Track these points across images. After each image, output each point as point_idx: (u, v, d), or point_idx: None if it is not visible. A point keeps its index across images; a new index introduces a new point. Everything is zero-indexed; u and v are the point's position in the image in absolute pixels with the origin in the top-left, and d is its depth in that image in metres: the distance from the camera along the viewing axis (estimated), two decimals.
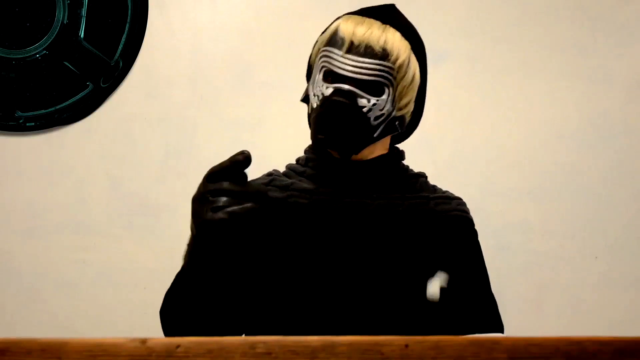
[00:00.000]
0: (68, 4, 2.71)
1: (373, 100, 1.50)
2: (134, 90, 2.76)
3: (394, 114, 1.53)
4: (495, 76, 2.83)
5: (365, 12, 1.56)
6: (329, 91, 1.50)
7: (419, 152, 2.87)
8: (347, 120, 1.48)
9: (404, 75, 1.52)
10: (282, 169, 1.67)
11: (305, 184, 1.57)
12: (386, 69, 1.49)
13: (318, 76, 1.53)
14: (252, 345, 0.94)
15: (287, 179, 1.60)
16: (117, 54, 2.74)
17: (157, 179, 2.73)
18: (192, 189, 1.66)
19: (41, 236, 2.71)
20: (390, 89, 1.51)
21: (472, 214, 1.65)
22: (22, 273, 2.70)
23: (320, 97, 1.51)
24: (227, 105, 2.76)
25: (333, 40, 1.52)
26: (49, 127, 2.72)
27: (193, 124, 2.76)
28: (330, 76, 1.51)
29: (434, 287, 1.45)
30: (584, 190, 2.82)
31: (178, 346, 0.93)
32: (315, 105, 1.52)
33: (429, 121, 2.84)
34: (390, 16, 1.55)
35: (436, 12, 2.83)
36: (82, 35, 2.73)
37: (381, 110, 1.51)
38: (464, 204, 1.62)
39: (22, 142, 2.73)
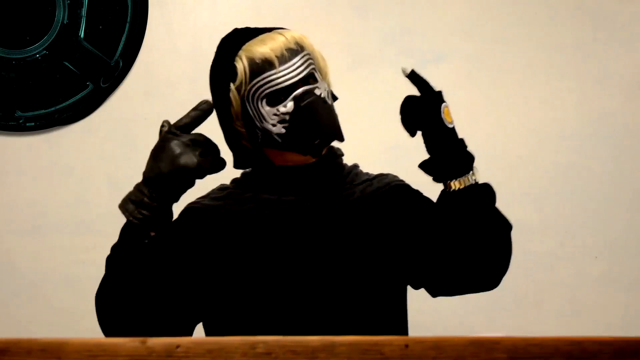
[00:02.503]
0: (68, 4, 2.71)
1: (317, 86, 1.58)
2: (134, 90, 2.76)
3: (329, 88, 1.63)
4: (495, 76, 2.83)
5: (247, 37, 1.63)
6: (289, 106, 1.55)
7: (418, 152, 2.88)
8: (325, 110, 1.57)
9: (317, 56, 1.62)
10: None
11: (266, 195, 1.59)
12: (309, 57, 1.59)
13: (262, 109, 1.56)
14: (252, 345, 0.94)
15: (243, 192, 1.62)
16: (117, 54, 2.74)
17: None
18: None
19: (41, 236, 2.71)
20: (318, 72, 1.60)
21: None
22: (22, 273, 2.70)
23: (286, 117, 1.55)
24: None
25: (256, 70, 1.56)
26: (49, 127, 2.72)
27: None
28: (277, 95, 1.56)
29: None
30: (584, 190, 2.82)
31: (178, 346, 0.93)
32: (284, 130, 1.55)
33: None
34: (261, 29, 1.64)
35: (436, 12, 2.82)
36: (82, 35, 2.72)
37: (325, 90, 1.60)
38: (397, 176, 1.71)
39: (22, 142, 2.73)
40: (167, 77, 2.77)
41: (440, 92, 1.64)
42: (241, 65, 1.59)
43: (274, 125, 1.56)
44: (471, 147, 2.83)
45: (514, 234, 2.79)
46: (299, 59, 1.56)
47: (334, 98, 1.64)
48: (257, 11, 2.79)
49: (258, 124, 1.57)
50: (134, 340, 0.94)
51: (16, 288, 2.70)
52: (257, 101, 1.57)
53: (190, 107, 2.77)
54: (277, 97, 1.55)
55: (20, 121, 2.71)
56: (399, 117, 1.65)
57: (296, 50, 1.57)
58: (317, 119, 1.55)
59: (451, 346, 0.95)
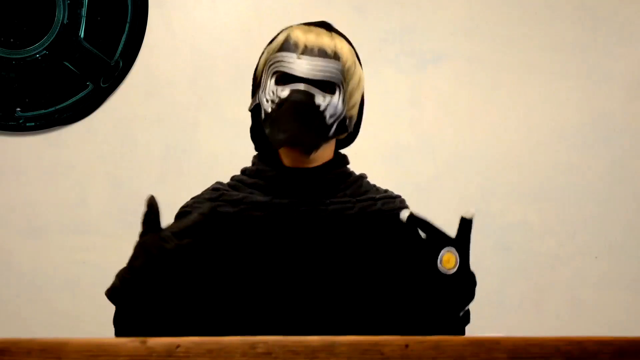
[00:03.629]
0: (68, 4, 2.71)
1: (327, 99, 1.55)
2: (134, 90, 2.75)
3: (344, 114, 1.59)
4: (495, 76, 2.83)
5: (310, 24, 1.64)
6: (285, 92, 1.55)
7: (419, 152, 2.88)
8: (306, 117, 1.54)
9: (352, 77, 1.60)
10: None
11: (258, 197, 1.58)
12: (337, 69, 1.56)
13: (270, 82, 1.57)
14: (252, 345, 0.93)
15: (236, 192, 1.61)
16: (117, 54, 2.73)
17: (157, 179, 2.73)
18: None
19: (41, 236, 2.71)
20: (341, 90, 1.57)
21: None
22: (22, 273, 2.70)
23: (276, 99, 1.55)
24: (227, 105, 2.76)
25: (285, 46, 1.57)
26: (49, 127, 2.72)
27: (193, 124, 2.76)
28: (285, 79, 1.56)
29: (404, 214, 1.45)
30: (584, 190, 2.81)
31: (178, 346, 0.93)
32: (270, 110, 1.56)
33: (429, 121, 2.85)
34: (332, 28, 1.64)
35: (436, 12, 2.82)
36: (82, 35, 2.72)
37: (335, 109, 1.56)
38: (404, 201, 1.67)
39: (22, 142, 2.73)
40: (167, 77, 2.77)
41: (443, 236, 1.44)
42: (279, 37, 1.60)
43: (267, 100, 1.57)
44: (471, 147, 2.84)
45: (514, 234, 2.80)
46: (325, 63, 1.55)
47: (344, 128, 1.59)
48: (257, 11, 2.79)
49: (259, 92, 1.59)
50: (134, 340, 0.93)
51: (16, 288, 2.70)
52: (270, 74, 1.58)
53: (190, 107, 2.78)
54: (284, 79, 1.56)
55: (20, 121, 2.71)
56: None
57: (329, 55, 1.56)
58: (290, 117, 1.53)
59: (451, 346, 0.95)
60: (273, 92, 1.56)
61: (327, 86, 1.55)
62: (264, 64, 1.61)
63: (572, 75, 2.84)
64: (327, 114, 1.55)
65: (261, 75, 1.61)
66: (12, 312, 2.69)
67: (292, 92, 1.54)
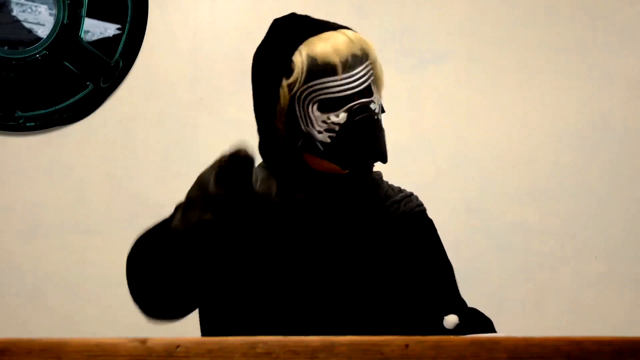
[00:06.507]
0: (68, 4, 2.71)
1: (373, 100, 1.51)
2: (134, 90, 2.76)
3: (380, 102, 1.54)
4: (495, 76, 2.83)
5: (309, 29, 1.53)
6: (342, 116, 1.47)
7: (419, 152, 2.88)
8: (377, 130, 1.50)
9: (377, 64, 1.53)
10: None
11: (295, 194, 1.54)
12: (370, 68, 1.50)
13: (312, 112, 1.47)
14: (252, 345, 0.94)
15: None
16: (117, 54, 2.73)
17: (157, 179, 2.73)
18: None
19: (41, 236, 2.71)
20: (374, 84, 1.51)
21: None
22: (22, 273, 2.70)
23: (335, 127, 1.47)
24: (227, 105, 2.76)
25: (316, 72, 1.46)
26: (49, 127, 2.72)
27: (193, 124, 2.76)
28: (332, 104, 1.47)
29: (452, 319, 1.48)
30: (584, 190, 2.82)
31: (178, 346, 0.93)
32: (329, 139, 1.47)
33: (429, 121, 2.85)
34: (325, 23, 1.55)
35: (436, 12, 2.82)
36: (82, 35, 2.72)
37: (379, 105, 1.52)
38: (417, 197, 1.65)
39: (22, 142, 2.73)
40: (167, 77, 2.77)
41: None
42: (300, 62, 1.48)
43: (319, 132, 1.47)
44: (471, 147, 2.84)
45: (515, 234, 2.80)
46: (362, 69, 1.47)
47: (382, 111, 1.55)
48: (257, 11, 2.79)
49: (303, 127, 1.48)
50: (134, 340, 0.94)
51: (16, 288, 2.70)
52: (309, 104, 1.47)
53: (190, 108, 2.78)
54: (330, 104, 1.47)
55: (20, 121, 2.71)
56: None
57: (361, 58, 1.48)
58: (367, 137, 1.47)
59: (451, 346, 0.95)
60: (324, 122, 1.47)
61: (369, 89, 1.50)
62: (294, 94, 1.48)
63: (572, 75, 2.84)
64: (379, 112, 1.51)
65: (290, 112, 1.49)
66: (12, 312, 2.69)
67: (351, 113, 1.47)
